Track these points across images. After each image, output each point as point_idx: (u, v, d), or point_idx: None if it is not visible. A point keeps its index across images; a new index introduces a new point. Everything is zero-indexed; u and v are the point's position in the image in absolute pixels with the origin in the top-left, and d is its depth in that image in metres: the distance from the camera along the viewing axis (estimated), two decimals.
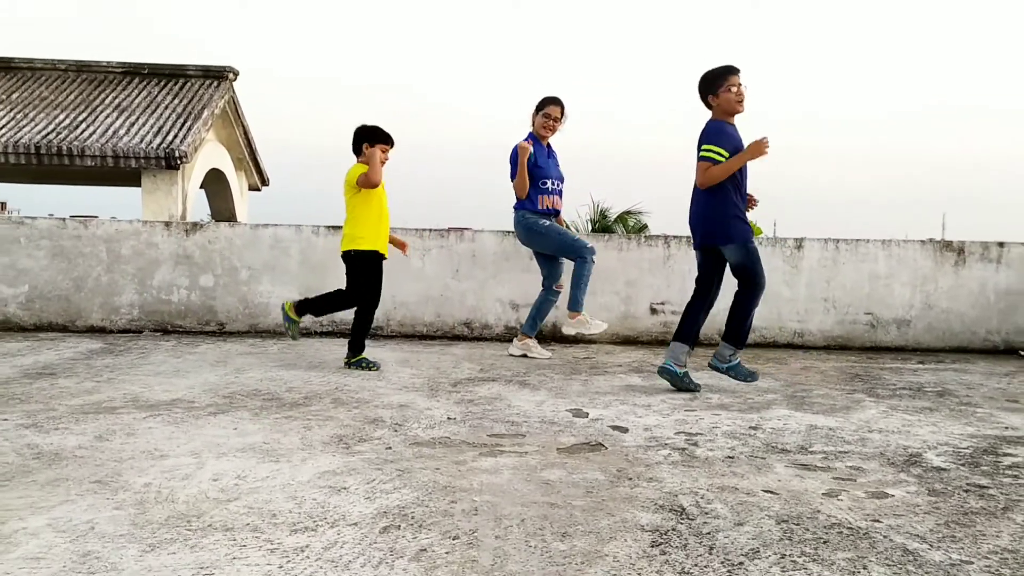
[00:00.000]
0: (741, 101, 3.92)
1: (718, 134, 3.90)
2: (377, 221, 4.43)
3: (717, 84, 3.92)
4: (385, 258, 4.47)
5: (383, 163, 4.42)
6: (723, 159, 3.85)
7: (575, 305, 4.92)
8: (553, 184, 4.96)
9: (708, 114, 3.98)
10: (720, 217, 3.90)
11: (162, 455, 2.57)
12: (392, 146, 4.48)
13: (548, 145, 5.02)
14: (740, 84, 3.91)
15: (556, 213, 5.06)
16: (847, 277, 5.97)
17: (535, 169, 4.89)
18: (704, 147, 3.87)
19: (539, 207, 4.93)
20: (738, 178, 3.91)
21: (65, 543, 1.82)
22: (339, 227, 5.98)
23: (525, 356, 5.01)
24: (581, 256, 4.89)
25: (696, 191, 3.98)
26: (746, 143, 3.89)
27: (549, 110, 4.92)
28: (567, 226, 5.48)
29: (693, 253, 6.09)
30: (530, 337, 5.08)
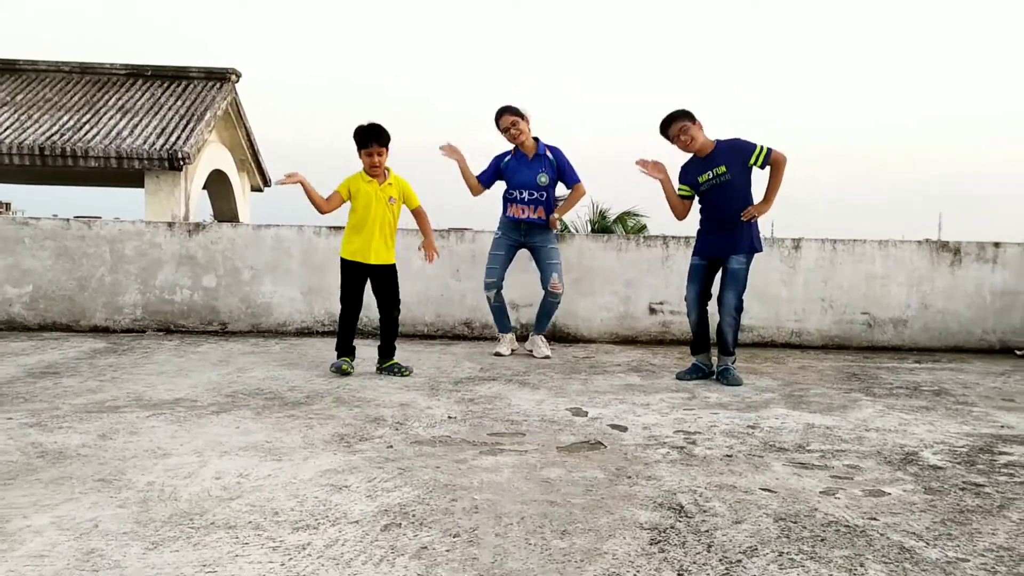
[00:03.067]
0: (684, 148, 4.26)
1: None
2: (357, 229, 4.27)
3: None
4: (364, 264, 4.27)
5: (376, 165, 4.18)
6: (685, 192, 4.39)
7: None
8: (520, 193, 4.94)
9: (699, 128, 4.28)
10: None
11: (165, 454, 2.59)
12: (370, 145, 4.15)
13: (536, 149, 4.95)
14: (670, 139, 4.24)
15: (530, 222, 4.95)
16: (844, 277, 5.99)
17: (507, 179, 5.03)
18: None
19: (506, 214, 5.05)
20: (705, 201, 4.30)
21: (69, 541, 1.84)
22: (340, 228, 6.01)
23: (531, 355, 5.07)
24: None
25: None
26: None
27: (500, 123, 4.91)
28: (563, 227, 5.53)
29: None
30: (540, 335, 5.15)
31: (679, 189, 4.38)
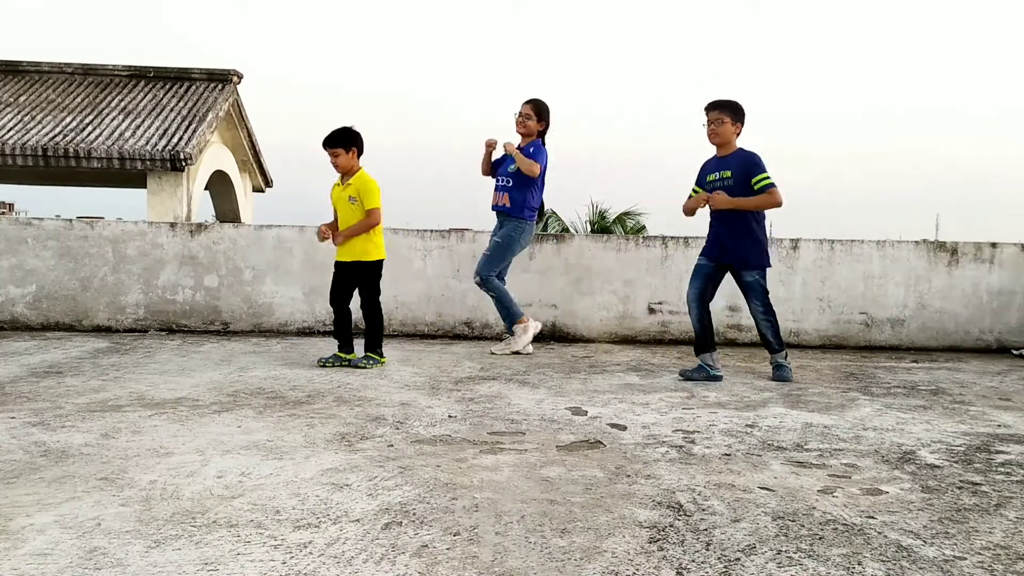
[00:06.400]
0: (709, 135, 4.34)
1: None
2: (335, 229, 4.65)
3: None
4: (339, 262, 4.61)
5: (335, 166, 4.49)
6: (693, 192, 4.49)
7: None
8: (499, 180, 5.14)
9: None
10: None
11: (167, 453, 2.61)
12: (325, 149, 4.46)
13: (525, 144, 5.11)
14: (706, 120, 4.32)
15: (498, 209, 5.13)
16: (842, 277, 6.00)
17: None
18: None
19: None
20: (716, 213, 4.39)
21: (72, 539, 1.85)
22: None
23: (516, 353, 5.10)
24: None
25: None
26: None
27: (521, 107, 5.10)
28: (562, 228, 5.57)
29: (691, 253, 6.17)
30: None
31: (693, 190, 4.48)
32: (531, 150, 5.03)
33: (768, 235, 4.45)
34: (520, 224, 5.04)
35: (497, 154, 5.16)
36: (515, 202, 5.02)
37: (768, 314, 4.36)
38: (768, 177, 4.20)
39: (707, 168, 4.41)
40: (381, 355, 4.56)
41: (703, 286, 4.39)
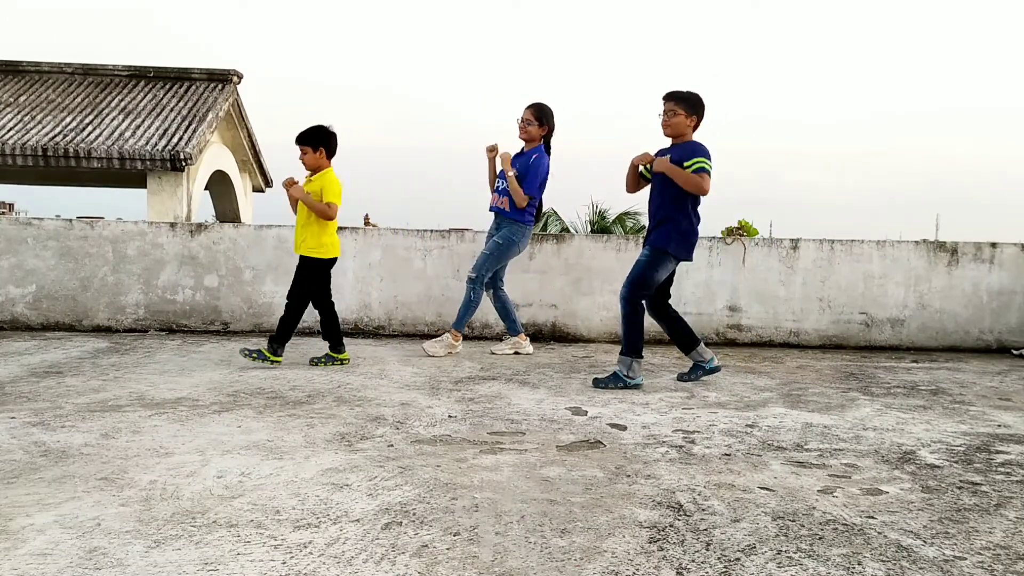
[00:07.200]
0: (663, 126, 4.15)
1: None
2: None
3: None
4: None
5: (303, 163, 4.50)
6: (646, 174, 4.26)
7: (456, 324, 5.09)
8: (498, 183, 5.10)
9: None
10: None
11: (167, 453, 2.61)
12: (296, 144, 4.47)
13: (527, 149, 5.06)
14: (662, 110, 4.13)
15: (496, 210, 5.08)
16: (842, 277, 6.00)
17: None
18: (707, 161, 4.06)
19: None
20: (650, 189, 4.23)
21: (72, 539, 1.86)
22: (342, 228, 6.03)
23: (517, 353, 5.12)
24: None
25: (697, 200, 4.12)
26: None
27: (524, 111, 5.05)
28: (562, 228, 5.52)
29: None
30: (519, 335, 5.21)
31: (643, 171, 4.27)
32: (532, 157, 4.94)
33: (697, 230, 4.17)
34: (520, 227, 5.00)
35: (498, 166, 5.09)
36: (513, 206, 4.97)
37: (625, 302, 4.04)
38: (703, 163, 3.96)
39: (658, 155, 4.19)
40: (274, 352, 4.39)
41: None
